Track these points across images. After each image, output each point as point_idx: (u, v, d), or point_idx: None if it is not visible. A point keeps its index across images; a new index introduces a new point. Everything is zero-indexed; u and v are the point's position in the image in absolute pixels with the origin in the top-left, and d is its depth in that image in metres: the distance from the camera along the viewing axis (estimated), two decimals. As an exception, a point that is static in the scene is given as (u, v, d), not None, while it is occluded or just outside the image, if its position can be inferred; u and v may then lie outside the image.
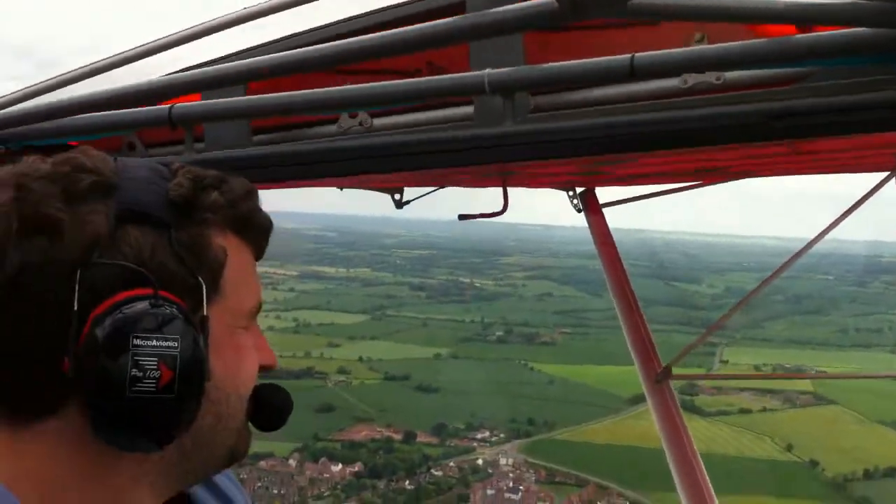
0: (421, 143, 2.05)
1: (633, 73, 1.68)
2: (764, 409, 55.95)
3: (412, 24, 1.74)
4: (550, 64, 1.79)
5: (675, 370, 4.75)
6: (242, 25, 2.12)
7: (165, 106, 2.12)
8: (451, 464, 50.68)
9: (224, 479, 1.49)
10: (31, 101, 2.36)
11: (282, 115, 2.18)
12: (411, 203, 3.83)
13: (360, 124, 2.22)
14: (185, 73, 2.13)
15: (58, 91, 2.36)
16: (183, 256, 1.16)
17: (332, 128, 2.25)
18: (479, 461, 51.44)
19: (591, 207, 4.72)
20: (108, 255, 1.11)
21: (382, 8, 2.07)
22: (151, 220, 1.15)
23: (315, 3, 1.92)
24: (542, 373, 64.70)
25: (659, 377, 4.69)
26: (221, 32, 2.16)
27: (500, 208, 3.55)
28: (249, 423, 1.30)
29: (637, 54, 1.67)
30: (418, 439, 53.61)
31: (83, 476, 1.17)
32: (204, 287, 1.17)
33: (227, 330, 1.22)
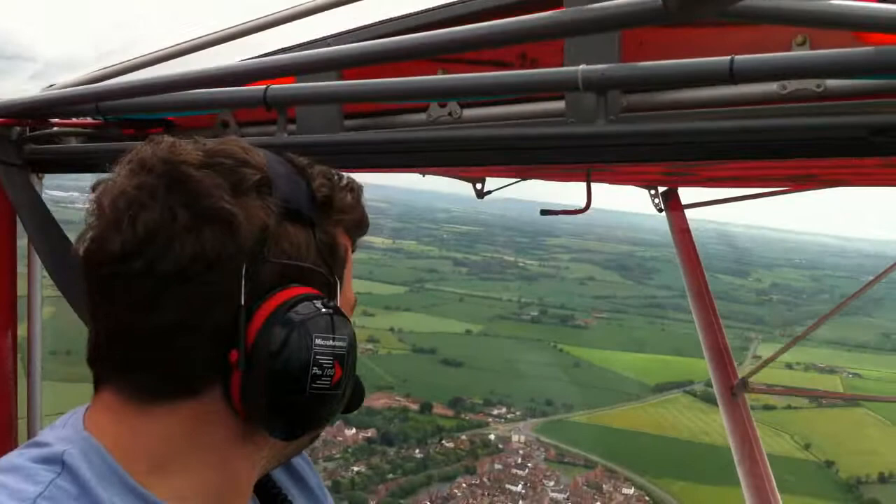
0: (510, 138, 2.04)
1: (733, 75, 1.64)
2: (789, 407, 54.87)
3: (508, 14, 1.73)
4: (647, 63, 1.76)
5: (752, 382, 4.64)
6: (338, 9, 2.14)
7: (261, 87, 2.15)
8: (463, 437, 50.98)
9: (297, 458, 1.52)
10: (129, 75, 2.43)
11: (373, 101, 2.20)
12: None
13: (450, 114, 2.21)
14: (280, 55, 2.15)
15: (155, 67, 2.42)
16: (324, 254, 1.22)
17: (422, 116, 2.26)
18: (492, 436, 51.72)
19: (672, 208, 4.65)
20: (273, 251, 1.16)
21: (478, -3, 2.06)
22: (303, 218, 1.20)
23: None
24: (570, 355, 64.35)
25: (735, 390, 4.60)
26: (316, 15, 2.19)
27: (583, 204, 3.52)
28: None
29: (737, 57, 1.63)
30: (434, 411, 53.76)
31: (204, 453, 1.20)
32: (339, 286, 1.24)
33: None
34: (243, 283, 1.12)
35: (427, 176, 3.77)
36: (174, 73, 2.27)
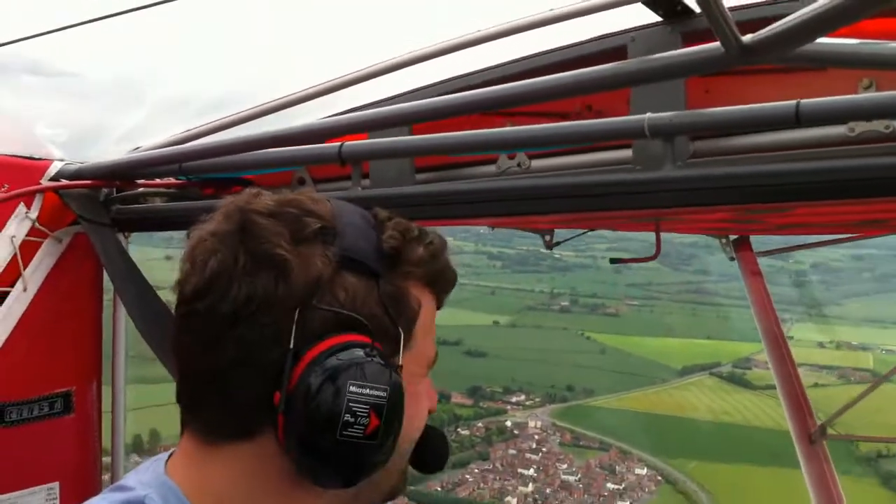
0: (578, 186, 2.07)
1: (799, 119, 1.66)
2: (816, 385, 53.54)
3: (573, 68, 1.78)
4: (712, 109, 1.79)
5: (831, 430, 4.52)
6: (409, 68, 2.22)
7: (336, 143, 2.23)
8: (480, 424, 50.46)
9: None
10: (210, 136, 2.54)
11: (443, 154, 2.25)
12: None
13: (519, 165, 2.27)
14: (353, 113, 2.24)
15: (235, 128, 2.53)
16: (387, 306, 1.22)
17: (492, 168, 2.31)
18: (508, 423, 51.13)
19: (744, 256, 4.60)
20: (326, 298, 1.18)
21: (544, 52, 2.11)
22: (365, 269, 1.22)
23: (478, 47, 2.00)
24: (596, 342, 63.50)
25: (814, 437, 4.50)
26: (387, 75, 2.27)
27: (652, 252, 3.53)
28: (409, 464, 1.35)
29: (802, 101, 1.65)
30: (452, 400, 53.05)
31: (264, 499, 1.23)
32: (402, 337, 1.23)
33: (412, 378, 1.26)
34: (294, 326, 1.15)
35: (495, 229, 3.82)
36: (252, 134, 2.37)
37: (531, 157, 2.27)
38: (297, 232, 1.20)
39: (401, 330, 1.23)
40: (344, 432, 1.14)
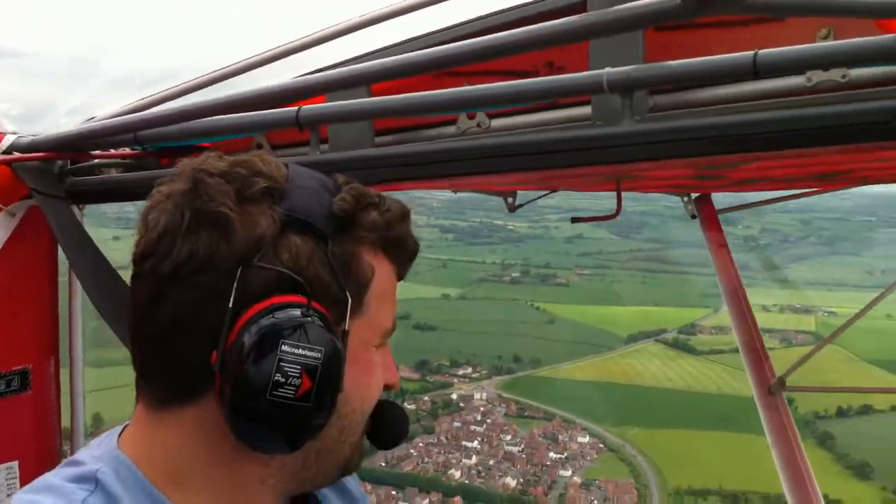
0: (538, 143, 2.06)
1: (756, 70, 1.66)
2: None
3: (533, 24, 1.76)
4: (670, 62, 1.78)
5: (790, 381, 4.61)
6: (367, 30, 2.19)
7: (293, 108, 2.20)
8: (426, 398, 51.26)
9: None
10: (165, 104, 2.49)
11: (403, 116, 2.23)
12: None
13: (479, 125, 2.25)
14: (310, 75, 2.21)
15: (191, 95, 2.49)
16: (335, 269, 1.20)
17: (451, 129, 2.30)
18: (454, 396, 52.04)
19: (705, 213, 4.65)
20: (269, 258, 1.16)
21: (503, 9, 2.10)
22: (312, 230, 1.20)
23: (437, 6, 1.98)
24: (545, 312, 65.34)
25: (773, 389, 4.57)
26: (346, 37, 2.24)
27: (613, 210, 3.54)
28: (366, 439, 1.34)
29: (760, 51, 1.65)
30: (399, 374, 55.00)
31: (210, 466, 1.23)
32: (349, 301, 1.21)
33: (363, 346, 1.26)
34: (234, 285, 1.14)
35: (457, 192, 3.82)
36: (208, 100, 2.33)
37: (491, 117, 2.26)
38: (243, 191, 1.19)
39: (347, 294, 1.21)
40: (274, 392, 1.12)
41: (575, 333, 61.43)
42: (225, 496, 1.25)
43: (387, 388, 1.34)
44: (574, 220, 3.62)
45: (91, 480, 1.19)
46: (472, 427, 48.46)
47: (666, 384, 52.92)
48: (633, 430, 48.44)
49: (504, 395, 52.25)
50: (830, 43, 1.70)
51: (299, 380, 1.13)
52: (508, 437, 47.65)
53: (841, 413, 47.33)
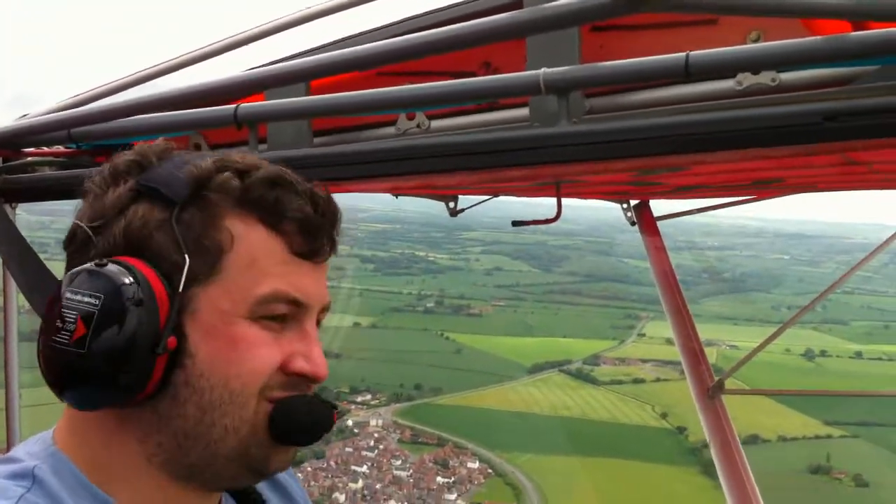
0: (476, 143, 2.08)
1: (688, 71, 1.69)
2: (657, 380, 57.57)
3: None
4: (605, 63, 1.81)
5: (728, 384, 4.68)
6: (304, 27, 2.19)
7: (231, 106, 2.18)
8: None
9: (283, 474, 1.48)
10: (100, 101, 2.45)
11: (341, 115, 2.23)
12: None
13: (418, 126, 2.26)
14: (248, 71, 2.19)
15: (128, 91, 2.45)
16: (178, 233, 1.18)
17: (391, 129, 2.30)
18: (350, 422, 52.31)
19: (645, 221, 4.71)
20: (114, 224, 1.20)
21: (440, 8, 2.11)
22: (161, 197, 1.20)
23: (374, 3, 1.98)
24: (454, 342, 65.90)
25: (711, 392, 4.64)
26: (283, 34, 2.23)
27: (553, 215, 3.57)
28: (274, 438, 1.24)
29: (692, 52, 1.69)
30: None
31: (104, 447, 1.23)
32: (187, 264, 1.17)
33: (222, 316, 1.20)
34: (84, 252, 1.21)
35: (399, 197, 3.81)
36: (143, 96, 2.30)
37: (431, 118, 2.27)
38: (115, 167, 1.25)
39: (186, 257, 1.18)
40: (53, 337, 1.15)
41: (480, 363, 62.27)
42: (137, 488, 1.22)
43: (299, 376, 1.24)
44: (515, 223, 3.64)
45: (28, 477, 1.16)
46: (364, 452, 48.71)
47: (563, 412, 54.03)
48: (525, 457, 49.23)
49: (400, 421, 52.56)
50: (761, 45, 1.74)
51: (74, 325, 1.14)
52: (398, 463, 48.06)
53: (728, 443, 48.87)
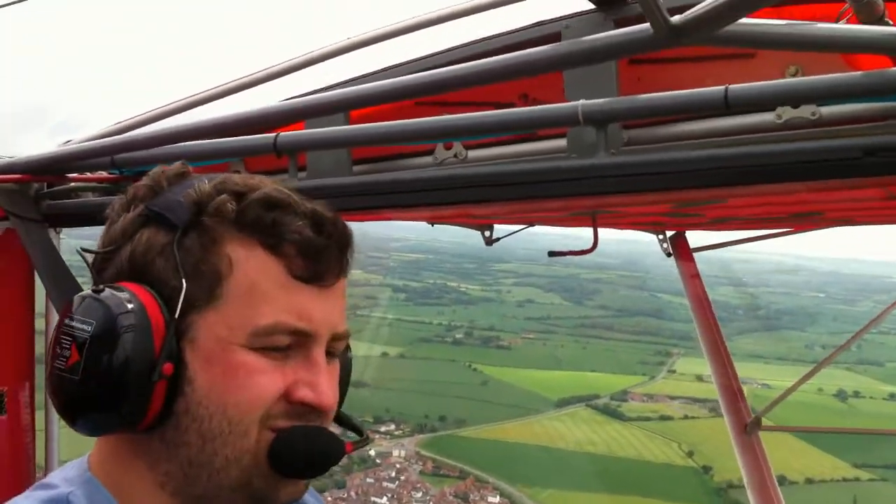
0: (514, 174, 2.08)
1: (728, 104, 1.69)
2: (685, 417, 56.36)
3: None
4: (644, 95, 1.81)
5: (765, 421, 4.62)
6: (344, 56, 2.21)
7: (271, 134, 2.21)
8: None
9: (308, 496, 1.48)
10: (143, 128, 2.49)
11: (380, 144, 2.25)
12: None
13: (455, 156, 2.27)
14: (289, 101, 2.22)
15: (170, 119, 2.49)
16: (178, 259, 1.16)
17: (428, 159, 2.32)
18: (372, 452, 51.78)
19: (681, 252, 4.68)
20: (122, 251, 1.20)
21: (479, 39, 2.12)
22: (165, 222, 1.18)
23: (417, 33, 2.00)
24: (481, 373, 64.61)
25: (749, 428, 4.58)
26: (324, 64, 2.26)
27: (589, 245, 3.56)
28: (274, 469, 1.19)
29: (731, 86, 1.69)
30: None
31: (121, 468, 1.24)
32: (184, 289, 1.15)
33: (220, 344, 1.17)
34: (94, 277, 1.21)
35: (434, 225, 3.83)
36: (185, 124, 2.34)
37: (468, 148, 2.28)
38: (132, 197, 1.24)
39: (183, 282, 1.15)
40: (54, 363, 1.16)
41: (506, 395, 61.71)
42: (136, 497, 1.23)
43: (302, 404, 1.19)
44: (551, 254, 3.63)
45: (62, 503, 1.18)
46: (385, 483, 48.38)
47: (588, 448, 53.33)
48: (547, 492, 48.57)
49: (422, 452, 52.00)
50: (800, 79, 1.74)
51: (69, 351, 1.15)
52: (419, 495, 47.62)
53: (755, 485, 48.25)
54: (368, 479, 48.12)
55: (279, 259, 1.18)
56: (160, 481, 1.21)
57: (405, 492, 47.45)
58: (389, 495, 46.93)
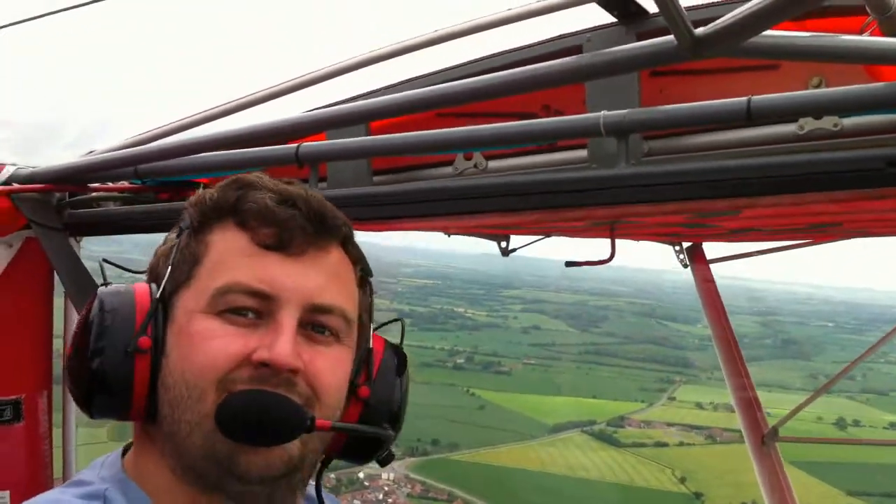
0: (534, 183, 2.08)
1: (750, 115, 1.69)
2: (681, 444, 56.58)
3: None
4: (665, 106, 1.81)
5: (783, 432, 4.60)
6: (366, 69, 2.22)
7: (293, 145, 2.23)
8: (332, 475, 51.18)
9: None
10: (165, 139, 2.51)
11: (400, 155, 2.26)
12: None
13: (475, 166, 2.28)
14: (310, 112, 2.23)
15: (191, 130, 2.51)
16: (171, 252, 1.30)
17: (448, 169, 2.33)
18: (360, 474, 51.72)
19: (697, 263, 4.67)
20: (172, 256, 1.30)
21: (501, 52, 2.13)
22: (184, 223, 1.32)
23: (438, 47, 2.01)
24: (479, 398, 64.91)
25: (766, 439, 4.56)
26: (346, 76, 2.27)
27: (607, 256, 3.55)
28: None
29: (754, 97, 1.69)
30: None
31: (142, 459, 1.30)
32: (168, 272, 1.28)
33: (186, 315, 1.24)
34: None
35: (451, 235, 3.83)
36: (207, 135, 2.36)
37: (488, 158, 2.29)
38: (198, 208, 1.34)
39: (168, 269, 1.28)
40: (69, 352, 1.27)
41: (502, 420, 61.72)
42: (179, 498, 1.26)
43: (261, 365, 1.18)
44: (568, 264, 3.63)
45: (99, 498, 1.20)
46: None
47: (580, 473, 53.27)
48: None
49: (412, 475, 52.09)
50: (822, 90, 1.73)
51: (72, 339, 1.27)
52: None
53: (750, 511, 48.43)
54: (355, 502, 48.26)
55: (245, 231, 1.25)
56: (169, 464, 1.25)
57: (391, 514, 47.70)
58: (362, 513, 47.08)
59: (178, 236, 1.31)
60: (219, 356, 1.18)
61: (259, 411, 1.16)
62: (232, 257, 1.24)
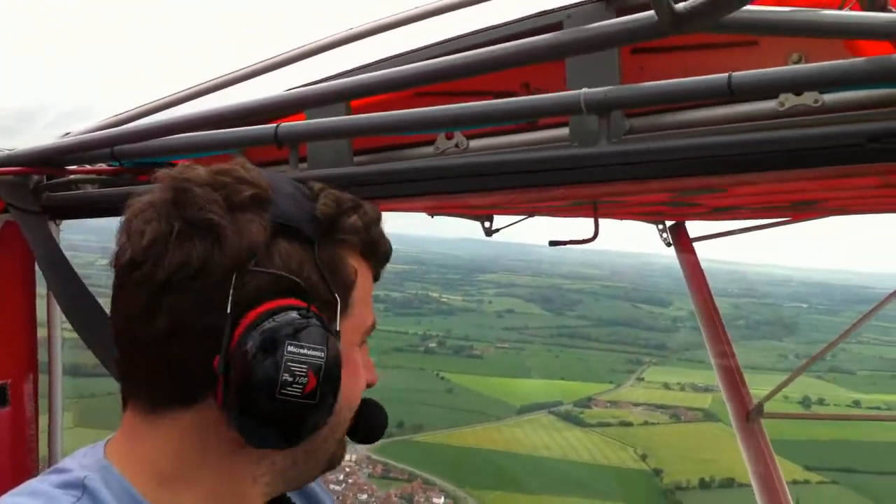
0: (516, 162, 2.08)
1: (731, 91, 1.69)
2: (646, 423, 57.68)
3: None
4: (646, 83, 1.81)
5: (767, 408, 4.62)
6: (345, 47, 2.20)
7: (272, 125, 2.21)
8: None
9: (312, 483, 1.53)
10: (143, 120, 2.49)
11: (381, 134, 2.24)
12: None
13: (457, 146, 2.27)
14: (289, 91, 2.21)
15: (170, 110, 2.48)
16: (324, 272, 1.24)
17: (429, 149, 2.31)
18: None
19: (681, 242, 4.68)
20: (263, 263, 1.19)
21: (481, 29, 2.11)
22: (300, 236, 1.24)
23: (416, 24, 2.00)
24: (447, 381, 65.65)
25: (751, 416, 4.59)
26: (324, 55, 2.25)
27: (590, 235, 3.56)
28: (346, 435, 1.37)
29: (734, 73, 1.68)
30: None
31: (203, 467, 1.24)
32: (339, 303, 1.25)
33: (349, 346, 1.30)
34: (231, 291, 1.16)
35: (434, 216, 3.82)
36: (185, 115, 2.33)
37: (469, 138, 2.27)
38: (231, 198, 1.21)
39: (337, 296, 1.25)
40: (282, 391, 1.15)
41: (470, 402, 62.21)
42: (217, 493, 1.25)
43: (368, 385, 1.38)
44: (552, 243, 3.63)
45: (78, 487, 1.18)
46: (331, 486, 49.04)
47: (543, 452, 53.91)
48: (493, 494, 49.08)
49: (373, 456, 52.46)
50: (804, 66, 1.73)
51: (305, 378, 1.16)
52: (364, 497, 48.10)
53: (703, 485, 48.86)
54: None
55: (371, 268, 1.37)
56: (259, 472, 1.29)
57: (350, 494, 47.95)
58: (335, 497, 47.25)
59: (314, 250, 1.24)
60: (363, 385, 1.38)
61: (383, 418, 1.44)
62: (367, 294, 1.36)
